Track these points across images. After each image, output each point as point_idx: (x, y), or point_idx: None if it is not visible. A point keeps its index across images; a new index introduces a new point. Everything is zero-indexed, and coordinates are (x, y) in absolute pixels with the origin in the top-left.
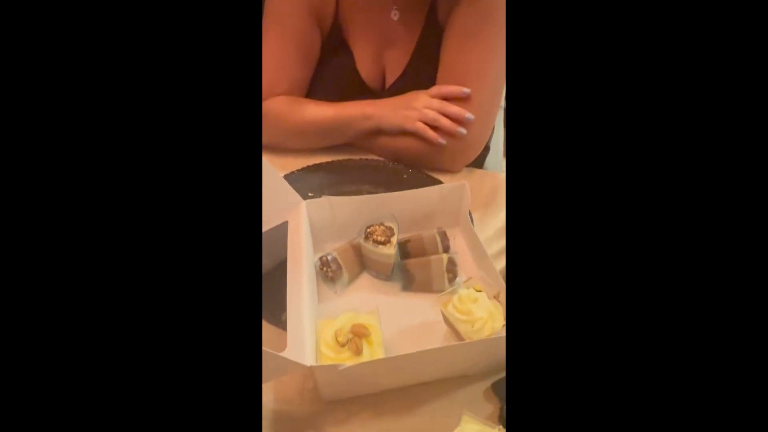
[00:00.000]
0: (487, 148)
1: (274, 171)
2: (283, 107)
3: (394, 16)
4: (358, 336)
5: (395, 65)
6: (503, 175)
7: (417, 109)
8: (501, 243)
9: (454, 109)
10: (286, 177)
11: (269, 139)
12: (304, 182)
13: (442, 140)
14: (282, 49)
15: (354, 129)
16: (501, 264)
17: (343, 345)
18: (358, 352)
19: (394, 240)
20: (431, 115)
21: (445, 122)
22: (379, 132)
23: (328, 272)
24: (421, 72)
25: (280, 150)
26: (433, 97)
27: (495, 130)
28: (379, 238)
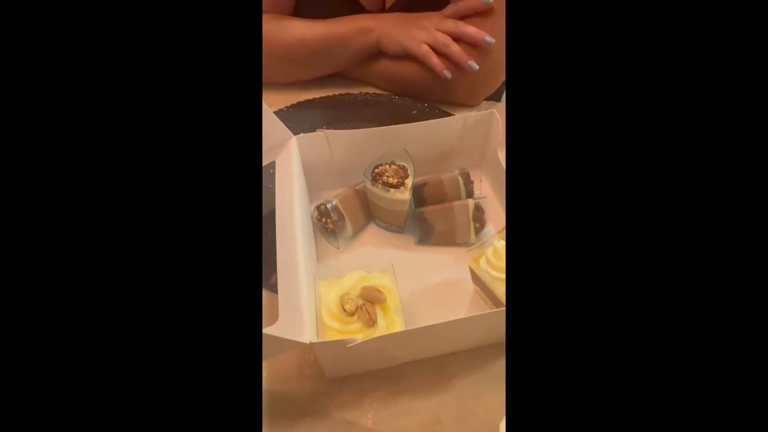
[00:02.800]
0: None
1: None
2: (268, 27)
3: None
4: (370, 302)
5: None
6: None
7: (426, 29)
8: None
9: (470, 30)
10: (281, 112)
11: None
12: (295, 121)
13: (447, 73)
14: None
15: (351, 48)
16: None
17: (351, 314)
18: (371, 323)
19: (408, 182)
20: (441, 38)
21: (455, 50)
22: (380, 55)
23: (327, 224)
24: None
25: (265, 83)
26: (449, 17)
27: None
28: (390, 180)
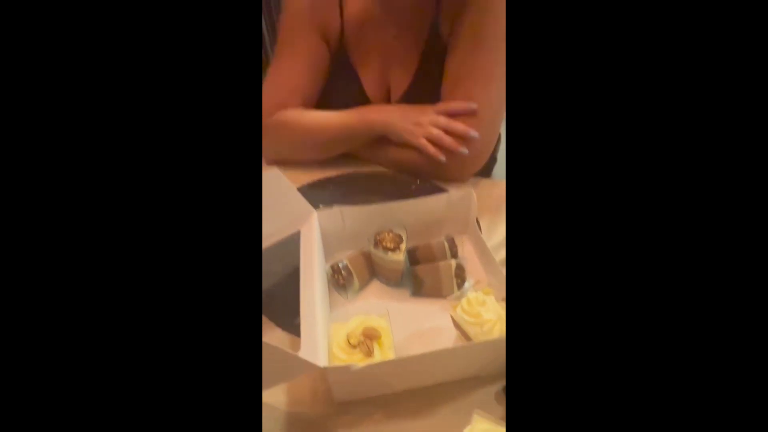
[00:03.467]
0: (494, 159)
1: (286, 181)
2: (293, 117)
3: (393, 33)
4: (369, 338)
5: (399, 82)
6: None
7: (422, 125)
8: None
9: (459, 127)
10: (299, 190)
11: (280, 151)
12: (313, 196)
13: (442, 157)
14: (292, 67)
15: (360, 137)
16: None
17: (354, 347)
18: (369, 353)
19: (403, 246)
20: (435, 133)
21: (448, 141)
22: (385, 141)
23: (339, 279)
24: (425, 87)
25: (290, 163)
26: (440, 113)
27: (503, 140)
28: (388, 245)
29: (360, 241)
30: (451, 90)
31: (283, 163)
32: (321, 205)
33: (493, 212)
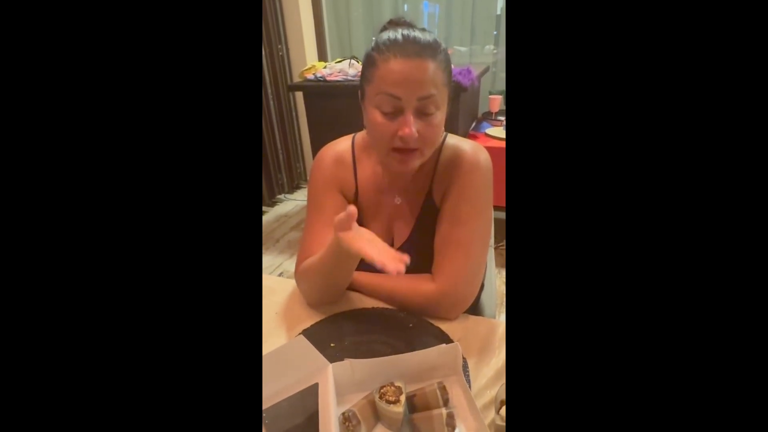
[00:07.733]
0: (478, 299)
1: (308, 343)
2: (308, 262)
3: (397, 201)
4: None
5: (400, 234)
6: (495, 321)
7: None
8: (493, 391)
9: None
10: (315, 325)
11: (311, 294)
12: (327, 331)
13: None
14: (319, 221)
15: (346, 257)
16: (490, 415)
17: None
18: None
19: (402, 398)
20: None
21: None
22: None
23: (349, 426)
24: (420, 239)
25: (324, 303)
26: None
27: (486, 287)
28: (390, 398)
29: (366, 385)
30: (441, 249)
31: (317, 303)
32: (332, 344)
33: (480, 350)
